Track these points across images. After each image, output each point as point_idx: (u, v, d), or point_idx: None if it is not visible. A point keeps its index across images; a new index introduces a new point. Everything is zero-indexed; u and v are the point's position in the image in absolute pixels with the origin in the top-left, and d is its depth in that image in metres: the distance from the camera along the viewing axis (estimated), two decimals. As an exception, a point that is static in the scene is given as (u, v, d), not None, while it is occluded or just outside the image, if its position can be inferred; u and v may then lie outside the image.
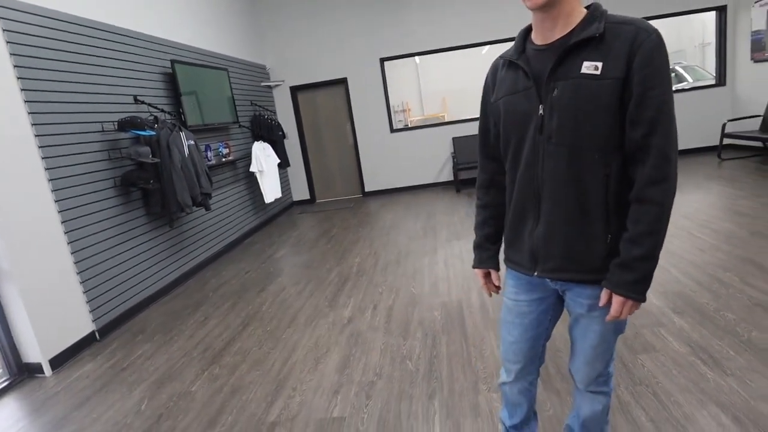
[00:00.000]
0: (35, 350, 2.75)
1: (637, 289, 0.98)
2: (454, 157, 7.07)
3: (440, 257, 3.91)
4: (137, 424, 2.17)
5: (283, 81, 7.21)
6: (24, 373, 2.77)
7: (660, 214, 0.95)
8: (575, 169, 1.00)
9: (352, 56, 7.05)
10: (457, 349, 2.41)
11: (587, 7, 1.00)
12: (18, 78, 2.84)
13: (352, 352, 2.54)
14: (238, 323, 3.15)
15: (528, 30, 1.09)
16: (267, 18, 7.03)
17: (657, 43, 0.92)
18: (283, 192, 6.95)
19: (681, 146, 6.84)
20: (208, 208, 4.25)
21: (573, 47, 0.96)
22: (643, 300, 0.99)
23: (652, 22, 1.21)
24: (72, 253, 3.05)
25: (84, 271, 3.13)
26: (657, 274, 2.93)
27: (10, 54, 2.80)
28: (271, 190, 5.87)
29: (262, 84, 6.88)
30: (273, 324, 3.06)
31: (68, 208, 3.07)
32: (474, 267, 1.32)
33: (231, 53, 5.94)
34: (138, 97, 3.93)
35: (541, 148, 1.03)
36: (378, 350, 2.52)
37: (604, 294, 1.03)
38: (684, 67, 9.46)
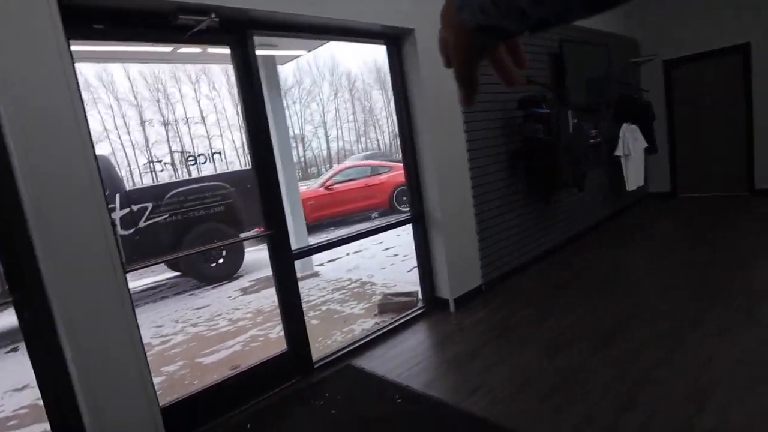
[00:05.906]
0: (446, 289, 3.36)
1: None
2: None
3: None
4: (544, 379, 2.32)
5: (655, 55, 6.36)
6: (435, 304, 3.44)
7: None
8: None
9: (761, 12, 5.52)
10: None
11: None
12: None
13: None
14: (612, 315, 2.99)
15: None
16: (649, -16, 6.28)
17: None
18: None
19: None
20: (582, 189, 4.20)
21: None
22: None
23: None
24: (475, 215, 3.55)
25: (481, 231, 3.60)
26: None
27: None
28: (634, 176, 5.35)
29: (631, 60, 6.26)
30: (662, 327, 2.75)
31: (476, 176, 3.56)
32: None
33: (607, 28, 5.60)
34: (530, 78, 4.15)
35: None
36: None
37: None
38: None
